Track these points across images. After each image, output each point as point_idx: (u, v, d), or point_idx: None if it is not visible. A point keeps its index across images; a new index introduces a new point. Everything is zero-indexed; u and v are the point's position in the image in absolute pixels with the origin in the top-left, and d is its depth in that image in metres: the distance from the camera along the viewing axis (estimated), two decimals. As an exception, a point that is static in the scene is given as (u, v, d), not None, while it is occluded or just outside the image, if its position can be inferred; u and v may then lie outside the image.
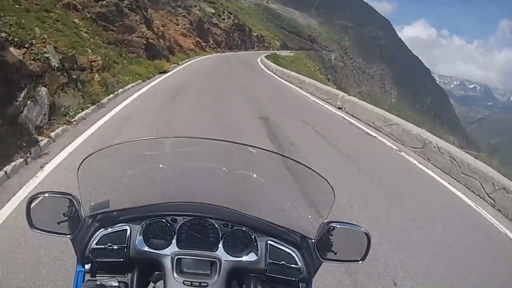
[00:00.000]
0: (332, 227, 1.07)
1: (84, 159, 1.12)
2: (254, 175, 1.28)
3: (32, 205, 1.05)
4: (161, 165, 1.29)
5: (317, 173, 1.17)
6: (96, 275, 1.07)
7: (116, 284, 1.02)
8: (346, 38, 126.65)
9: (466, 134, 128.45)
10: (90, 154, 1.14)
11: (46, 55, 6.04)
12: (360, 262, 1.11)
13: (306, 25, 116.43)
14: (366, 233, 1.07)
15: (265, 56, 31.46)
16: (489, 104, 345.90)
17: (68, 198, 1.05)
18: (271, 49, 68.66)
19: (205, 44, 36.55)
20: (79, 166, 1.11)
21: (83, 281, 1.09)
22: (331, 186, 1.15)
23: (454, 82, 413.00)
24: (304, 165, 1.19)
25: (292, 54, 55.80)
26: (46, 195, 1.07)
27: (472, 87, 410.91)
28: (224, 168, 1.30)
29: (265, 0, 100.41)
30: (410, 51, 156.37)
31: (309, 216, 1.22)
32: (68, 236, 1.08)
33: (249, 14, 72.26)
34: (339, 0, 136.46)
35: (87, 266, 1.07)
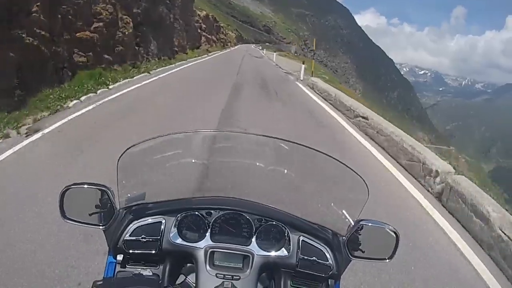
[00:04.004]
0: (362, 226, 1.07)
1: (124, 151, 1.13)
2: (286, 171, 1.30)
3: (65, 195, 1.04)
4: (195, 160, 1.32)
5: (352, 170, 1.17)
6: (127, 265, 1.08)
7: (150, 273, 1.04)
8: (304, 28, 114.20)
9: (435, 127, 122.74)
10: (130, 147, 1.15)
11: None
12: (387, 260, 1.11)
13: (260, 14, 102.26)
14: (395, 232, 1.08)
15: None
16: (440, 89, 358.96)
17: (102, 190, 1.05)
18: (229, 44, 47.67)
19: None
20: (119, 158, 1.12)
21: (114, 272, 1.09)
22: (366, 184, 1.14)
23: (404, 68, 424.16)
24: (338, 160, 1.19)
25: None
26: (80, 186, 1.06)
27: (423, 73, 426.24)
28: (257, 163, 1.32)
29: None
30: (372, 40, 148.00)
31: (341, 213, 1.20)
32: (101, 227, 1.07)
33: None
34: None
35: (119, 257, 1.07)
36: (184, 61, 18.24)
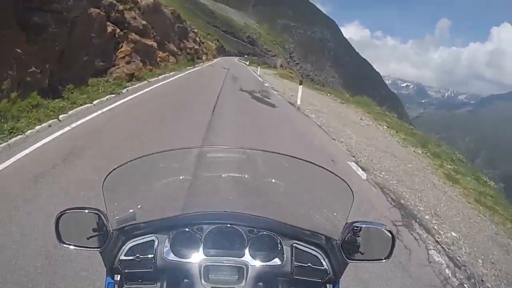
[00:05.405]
0: (355, 227, 1.07)
1: (108, 174, 1.14)
2: (273, 180, 1.34)
3: (61, 221, 1.05)
4: (183, 176, 1.33)
5: (335, 174, 1.20)
6: (125, 285, 1.09)
7: None
8: (290, 40, 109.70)
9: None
10: (114, 169, 1.16)
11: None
12: (384, 260, 1.10)
13: (243, 25, 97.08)
14: (390, 231, 1.08)
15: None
16: (423, 101, 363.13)
17: (95, 213, 1.05)
18: (204, 57, 34.48)
19: None
20: (104, 181, 1.12)
21: None
22: (349, 186, 1.16)
23: (387, 81, 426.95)
24: (321, 166, 1.23)
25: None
26: (74, 211, 1.07)
27: (405, 86, 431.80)
28: (246, 176, 1.37)
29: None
30: (358, 53, 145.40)
31: (332, 218, 1.22)
32: (97, 249, 1.08)
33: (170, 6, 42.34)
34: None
35: (117, 278, 1.09)
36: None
